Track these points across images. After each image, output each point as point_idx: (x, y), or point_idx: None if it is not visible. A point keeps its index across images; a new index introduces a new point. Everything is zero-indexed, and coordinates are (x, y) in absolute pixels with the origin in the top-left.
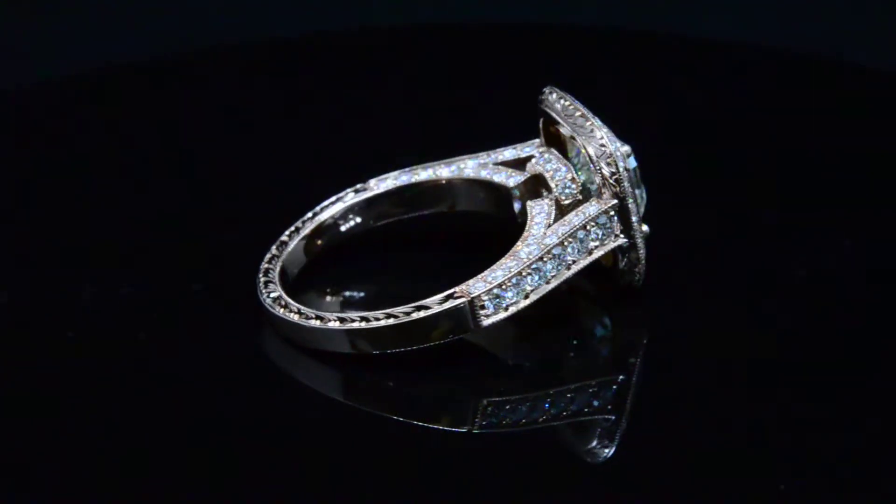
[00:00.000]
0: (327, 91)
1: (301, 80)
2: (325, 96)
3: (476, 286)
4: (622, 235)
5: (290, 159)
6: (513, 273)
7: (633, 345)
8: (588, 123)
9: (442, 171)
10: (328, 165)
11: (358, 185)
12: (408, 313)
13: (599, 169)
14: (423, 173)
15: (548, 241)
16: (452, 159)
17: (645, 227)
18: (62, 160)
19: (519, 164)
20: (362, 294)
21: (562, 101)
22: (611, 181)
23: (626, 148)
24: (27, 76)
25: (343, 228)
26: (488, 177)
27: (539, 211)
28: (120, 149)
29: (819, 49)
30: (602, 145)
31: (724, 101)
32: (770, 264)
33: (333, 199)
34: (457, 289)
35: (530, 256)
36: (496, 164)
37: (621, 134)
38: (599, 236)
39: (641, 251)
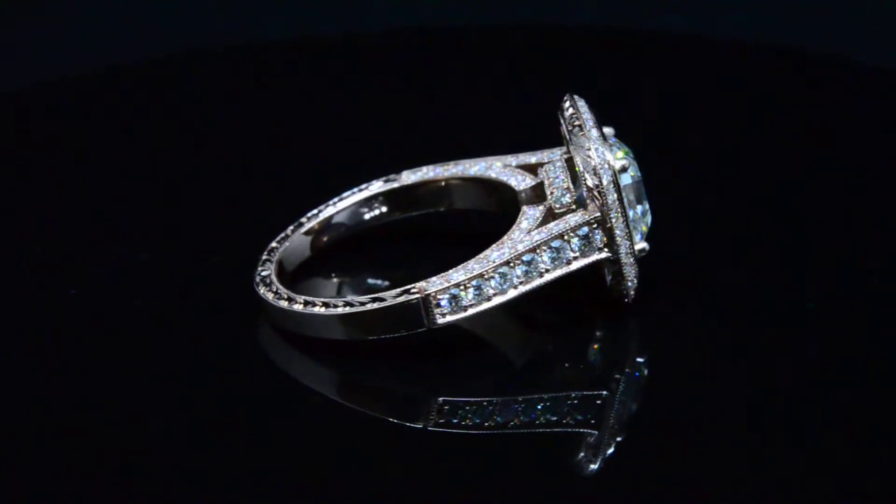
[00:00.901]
0: (341, 92)
1: (309, 81)
2: (340, 97)
3: (434, 283)
4: (606, 249)
5: (312, 158)
6: (474, 274)
7: (622, 358)
8: (581, 134)
9: (471, 168)
10: (351, 163)
11: (391, 175)
12: (363, 303)
13: (584, 180)
14: (454, 169)
15: (520, 246)
16: (481, 158)
17: (642, 245)
18: (62, 160)
19: (539, 168)
20: (369, 282)
21: (569, 111)
22: (594, 193)
23: (622, 163)
24: (27, 76)
25: (367, 216)
26: (505, 179)
27: (528, 217)
28: (133, 149)
29: (819, 49)
30: (588, 157)
31: (725, 101)
32: (770, 266)
33: (363, 186)
34: (415, 284)
35: (497, 260)
36: (518, 166)
37: (620, 135)
38: (580, 247)
39: (626, 268)
